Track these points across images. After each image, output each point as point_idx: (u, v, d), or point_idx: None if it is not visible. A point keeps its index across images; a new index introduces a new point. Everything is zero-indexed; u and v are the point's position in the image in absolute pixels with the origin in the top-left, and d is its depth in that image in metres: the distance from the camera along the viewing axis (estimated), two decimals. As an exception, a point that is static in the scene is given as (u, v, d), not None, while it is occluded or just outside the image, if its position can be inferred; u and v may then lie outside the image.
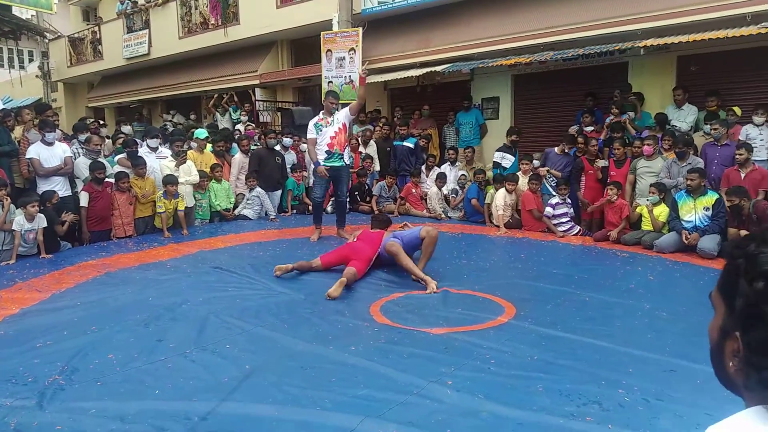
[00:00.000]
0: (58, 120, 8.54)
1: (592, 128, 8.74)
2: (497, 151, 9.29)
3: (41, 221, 6.46)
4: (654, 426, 2.72)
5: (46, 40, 19.44)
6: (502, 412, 2.84)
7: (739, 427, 0.70)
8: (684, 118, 8.01)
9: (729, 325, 0.76)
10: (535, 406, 2.91)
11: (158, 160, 8.13)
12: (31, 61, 24.50)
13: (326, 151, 6.99)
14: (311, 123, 7.16)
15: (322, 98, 7.58)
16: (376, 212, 9.16)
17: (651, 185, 7.06)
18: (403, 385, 3.14)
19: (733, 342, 0.75)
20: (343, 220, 7.50)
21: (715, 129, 7.15)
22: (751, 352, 0.71)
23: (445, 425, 2.73)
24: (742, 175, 6.66)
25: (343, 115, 7.10)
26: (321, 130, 7.02)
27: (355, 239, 5.90)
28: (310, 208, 9.10)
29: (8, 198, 6.42)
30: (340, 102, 11.41)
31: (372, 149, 10.30)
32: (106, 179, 7.39)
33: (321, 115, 7.13)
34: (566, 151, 8.44)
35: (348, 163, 7.36)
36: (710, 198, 6.52)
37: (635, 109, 8.50)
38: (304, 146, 10.06)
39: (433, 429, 2.70)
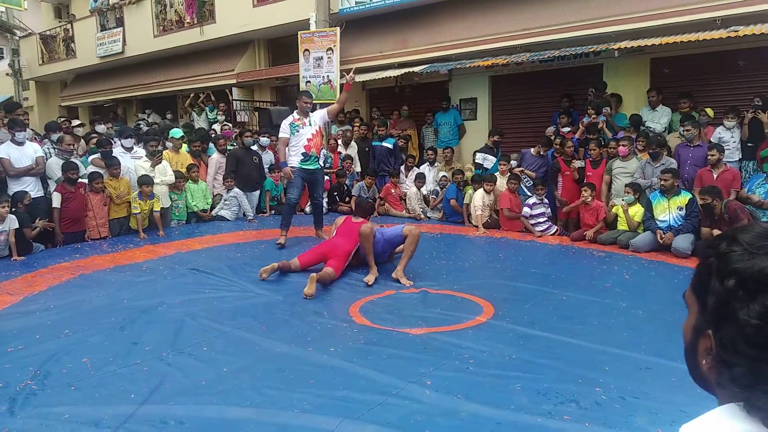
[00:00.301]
0: (28, 119, 8.34)
1: (569, 129, 8.84)
2: (478, 152, 9.35)
3: (12, 222, 6.31)
4: (630, 423, 2.76)
5: (17, 38, 19.01)
6: (481, 412, 2.86)
7: (712, 425, 0.71)
8: (658, 119, 8.14)
9: (702, 324, 0.77)
10: (513, 405, 2.93)
11: (133, 161, 8.01)
12: (1, 58, 23.94)
13: (302, 153, 6.77)
14: (285, 123, 6.92)
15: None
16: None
17: (626, 185, 7.16)
18: (382, 386, 3.14)
19: (706, 340, 0.76)
20: (320, 221, 7.37)
21: (687, 130, 7.29)
22: (723, 349, 0.72)
23: (424, 426, 2.73)
24: (715, 176, 6.80)
25: (319, 117, 6.93)
26: (297, 131, 6.80)
27: (335, 231, 5.86)
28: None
29: None
30: (319, 102, 11.39)
31: (353, 150, 10.28)
32: (80, 179, 7.26)
33: (296, 115, 6.90)
34: (542, 152, 8.53)
35: (326, 165, 7.27)
36: (684, 198, 6.64)
37: (610, 106, 8.59)
38: None
39: (413, 430, 2.70)
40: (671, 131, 8.09)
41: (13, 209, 6.46)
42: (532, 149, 8.66)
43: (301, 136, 6.79)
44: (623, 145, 7.54)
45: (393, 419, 2.79)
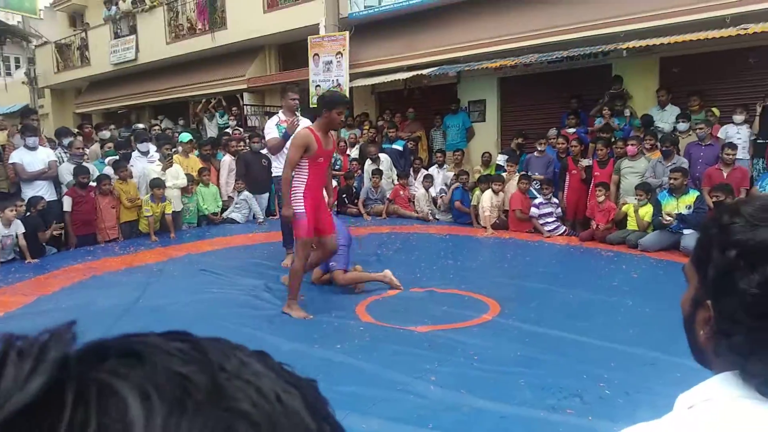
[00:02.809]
0: (39, 123, 8.41)
1: (574, 130, 8.83)
2: (501, 154, 9.35)
3: (18, 227, 6.42)
4: (634, 417, 2.73)
5: (32, 46, 19.33)
6: (485, 406, 2.88)
7: (708, 391, 0.73)
8: (667, 119, 8.12)
9: (701, 295, 0.78)
10: (516, 399, 2.94)
11: (149, 165, 8.13)
12: (17, 67, 24.32)
13: None
14: (270, 124, 6.00)
15: (312, 102, 6.85)
16: (363, 215, 9.20)
17: (636, 187, 7.12)
18: (387, 381, 3.17)
19: (704, 311, 0.77)
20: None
21: (700, 129, 7.27)
22: (722, 319, 0.73)
23: (428, 419, 2.76)
24: (725, 174, 6.75)
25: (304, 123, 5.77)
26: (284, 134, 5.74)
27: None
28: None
29: None
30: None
31: (386, 163, 9.93)
32: (90, 183, 7.38)
33: (281, 115, 5.94)
34: (540, 149, 8.54)
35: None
36: (691, 196, 6.61)
37: (626, 99, 8.66)
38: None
39: (417, 423, 2.73)
40: (675, 130, 8.08)
41: (27, 213, 6.57)
42: (535, 152, 8.68)
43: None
44: (632, 145, 7.52)
45: (397, 413, 2.82)
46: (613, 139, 8.16)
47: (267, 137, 6.00)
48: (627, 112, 8.55)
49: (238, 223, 8.75)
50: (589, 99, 9.45)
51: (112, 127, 10.90)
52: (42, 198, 6.94)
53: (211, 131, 12.97)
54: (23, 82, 20.03)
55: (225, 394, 0.29)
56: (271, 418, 0.29)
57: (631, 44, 8.02)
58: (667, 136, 7.51)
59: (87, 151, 8.50)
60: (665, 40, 7.71)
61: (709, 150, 7.19)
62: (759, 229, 0.70)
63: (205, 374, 0.29)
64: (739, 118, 7.19)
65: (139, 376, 0.27)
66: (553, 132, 9.09)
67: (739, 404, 0.68)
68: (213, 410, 0.27)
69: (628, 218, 7.23)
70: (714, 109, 7.86)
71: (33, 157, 7.14)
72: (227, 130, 12.19)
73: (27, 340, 0.28)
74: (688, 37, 7.56)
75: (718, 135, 7.35)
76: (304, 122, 5.68)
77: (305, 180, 4.38)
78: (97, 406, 0.25)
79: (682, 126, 7.68)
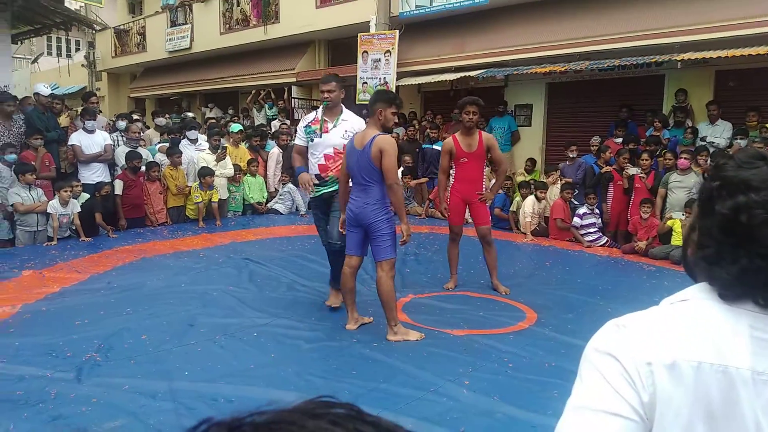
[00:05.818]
0: (98, 106, 8.74)
1: (621, 140, 8.69)
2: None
3: (75, 206, 6.74)
4: None
5: (94, 32, 20.03)
6: (517, 415, 2.92)
7: (685, 294, 0.96)
8: (720, 133, 7.91)
9: (694, 220, 0.99)
10: (549, 410, 2.96)
11: (197, 152, 8.38)
12: (77, 50, 25.24)
13: (316, 175, 4.44)
14: (300, 124, 4.70)
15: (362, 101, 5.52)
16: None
17: (686, 205, 6.94)
18: (421, 382, 3.24)
19: (694, 233, 0.98)
20: (338, 275, 4.32)
21: (760, 147, 7.06)
22: (701, 234, 0.95)
23: (459, 423, 2.81)
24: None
25: (353, 127, 4.43)
26: (312, 140, 4.47)
27: None
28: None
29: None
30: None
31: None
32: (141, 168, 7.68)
33: (317, 113, 4.57)
34: (571, 156, 8.47)
35: None
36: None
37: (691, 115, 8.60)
38: None
39: (448, 426, 2.79)
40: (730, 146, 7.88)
41: (91, 196, 6.95)
42: (567, 161, 8.61)
43: (316, 148, 4.45)
44: (684, 158, 7.34)
45: (429, 415, 2.88)
46: (659, 152, 8.01)
47: (296, 140, 4.68)
48: (688, 123, 8.40)
49: (282, 214, 8.95)
50: (639, 109, 9.27)
51: (168, 116, 11.30)
52: (107, 183, 7.29)
53: (260, 122, 13.24)
54: (83, 65, 20.78)
55: None
56: None
57: (687, 56, 7.85)
58: (719, 153, 7.32)
59: (143, 135, 8.84)
60: (722, 53, 7.52)
61: (763, 168, 6.99)
62: (741, 170, 0.90)
63: None
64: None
65: None
66: (596, 139, 8.96)
67: (702, 303, 0.92)
68: None
69: (673, 233, 7.09)
70: (768, 126, 7.63)
71: (90, 140, 7.47)
72: (274, 122, 12.44)
73: None
74: (746, 51, 7.36)
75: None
76: (354, 122, 4.61)
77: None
78: None
79: (742, 142, 7.44)
